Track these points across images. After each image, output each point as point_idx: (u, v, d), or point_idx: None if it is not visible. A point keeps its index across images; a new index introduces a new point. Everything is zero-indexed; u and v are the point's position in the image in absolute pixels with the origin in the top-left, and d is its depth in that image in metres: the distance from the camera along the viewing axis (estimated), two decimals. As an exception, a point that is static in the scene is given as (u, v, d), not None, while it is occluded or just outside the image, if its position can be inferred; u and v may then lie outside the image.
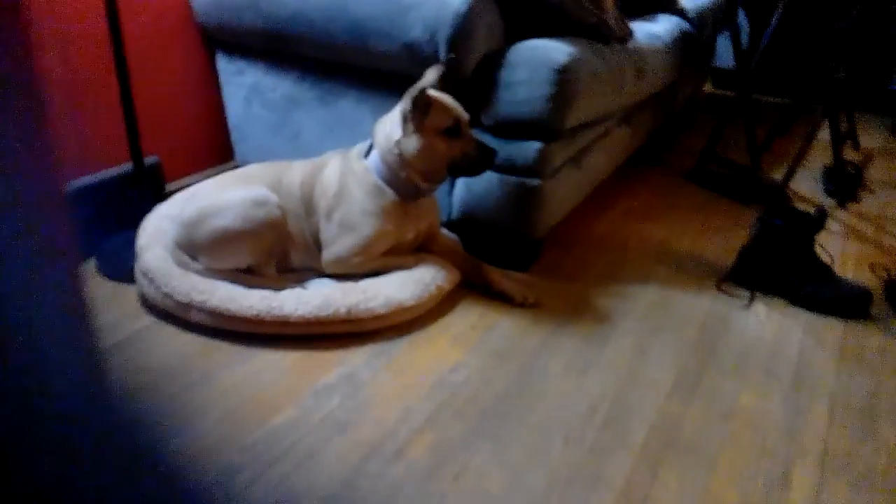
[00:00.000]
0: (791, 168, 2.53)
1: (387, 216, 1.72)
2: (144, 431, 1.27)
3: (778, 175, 2.67)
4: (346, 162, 1.75)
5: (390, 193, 1.71)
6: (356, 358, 1.54)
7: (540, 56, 1.71)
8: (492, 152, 1.65)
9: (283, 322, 1.57)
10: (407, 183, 1.70)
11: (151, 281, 1.62)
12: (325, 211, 1.74)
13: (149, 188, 1.96)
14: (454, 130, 1.64)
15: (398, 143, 1.66)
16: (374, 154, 1.71)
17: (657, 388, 1.50)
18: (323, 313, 1.58)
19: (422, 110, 1.62)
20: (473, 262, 1.85)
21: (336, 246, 1.73)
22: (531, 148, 1.76)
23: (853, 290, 1.84)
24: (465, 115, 1.67)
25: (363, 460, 1.26)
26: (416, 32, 1.70)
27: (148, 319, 1.63)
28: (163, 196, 1.94)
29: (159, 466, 1.18)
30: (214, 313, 1.57)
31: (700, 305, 1.84)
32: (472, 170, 1.68)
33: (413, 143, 1.65)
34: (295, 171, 1.77)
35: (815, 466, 1.30)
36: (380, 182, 1.71)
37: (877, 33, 3.45)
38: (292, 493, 1.17)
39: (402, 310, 1.65)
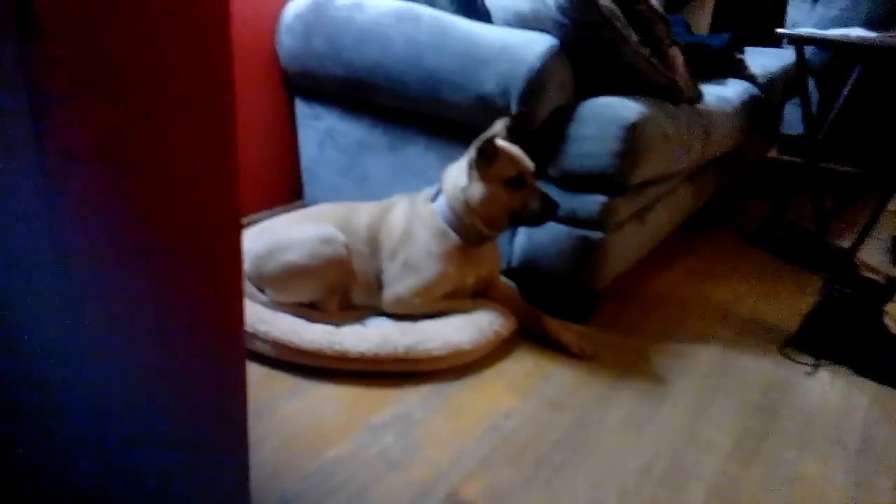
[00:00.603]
0: (860, 236, 2.47)
1: (449, 259, 1.75)
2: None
3: (845, 243, 2.62)
4: (413, 205, 1.81)
5: (454, 237, 1.75)
6: (411, 397, 1.56)
7: (609, 113, 1.75)
8: (553, 205, 1.67)
9: (343, 357, 1.60)
10: (470, 228, 1.74)
11: (220, 309, 1.69)
12: (389, 251, 1.79)
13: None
14: (518, 181, 1.68)
15: (464, 189, 1.71)
16: (441, 199, 1.76)
17: (716, 449, 1.47)
18: (382, 351, 1.61)
19: (487, 159, 1.67)
20: (531, 311, 1.86)
21: (398, 286, 1.77)
22: (595, 201, 1.78)
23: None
24: (529, 167, 1.71)
25: (415, 499, 1.26)
26: (490, 86, 1.76)
27: (214, 346, 1.69)
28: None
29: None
30: (277, 344, 1.61)
31: (762, 369, 1.80)
32: (533, 220, 1.70)
33: (477, 191, 1.69)
34: (363, 212, 1.83)
35: (884, 543, 1.25)
36: (445, 226, 1.75)
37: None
38: (345, 525, 1.19)
39: (459, 353, 1.66)
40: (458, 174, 1.73)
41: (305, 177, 2.33)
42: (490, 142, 1.64)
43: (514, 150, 1.71)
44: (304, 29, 2.08)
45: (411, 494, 1.27)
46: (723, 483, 1.37)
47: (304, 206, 2.29)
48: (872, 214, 2.48)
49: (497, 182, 1.68)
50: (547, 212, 1.68)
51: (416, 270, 1.76)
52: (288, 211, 2.15)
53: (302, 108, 2.26)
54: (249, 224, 2.04)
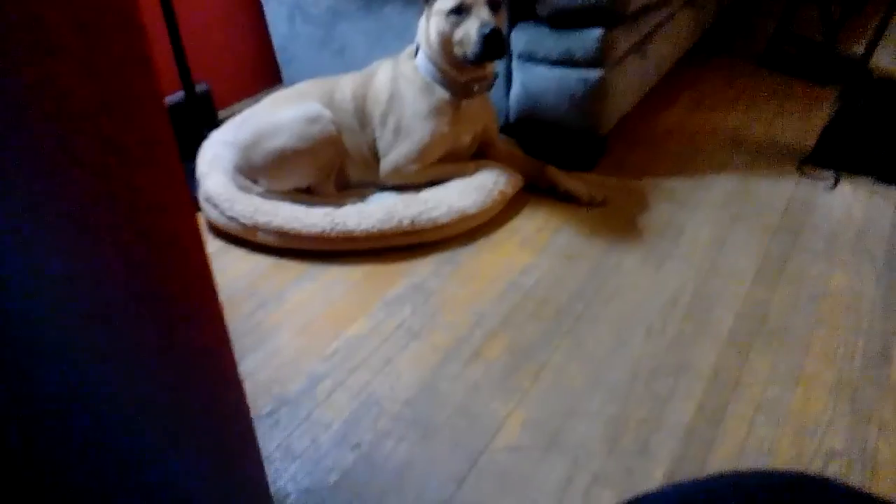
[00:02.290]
0: (873, 41, 2.32)
1: (440, 116, 1.66)
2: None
3: (857, 52, 2.47)
4: (395, 66, 1.69)
5: (441, 92, 1.65)
6: (423, 268, 1.52)
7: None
8: (495, 34, 1.49)
9: (348, 237, 1.55)
10: (452, 77, 1.63)
11: (215, 206, 1.63)
12: (379, 118, 1.69)
13: (201, 116, 1.95)
14: (457, 10, 1.54)
15: (425, 31, 1.62)
16: (421, 53, 1.65)
17: (740, 275, 1.43)
18: (386, 226, 1.55)
19: None
20: (536, 165, 1.78)
21: (392, 154, 1.69)
22: (591, 36, 1.65)
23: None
24: None
25: (441, 364, 1.25)
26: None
27: (215, 244, 1.64)
28: (216, 123, 1.93)
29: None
30: (279, 233, 1.56)
31: (781, 190, 1.74)
32: (474, 55, 1.52)
33: (431, 28, 1.60)
34: (346, 84, 1.72)
35: (918, 343, 1.23)
36: (429, 80, 1.65)
37: None
38: (374, 397, 1.18)
39: (465, 218, 1.61)
40: (424, 20, 1.63)
41: (281, 57, 2.20)
42: None
43: None
44: None
45: (436, 359, 1.26)
46: (749, 308, 1.34)
47: (285, 88, 2.18)
48: (883, 17, 2.31)
49: (440, 14, 1.56)
50: (488, 42, 1.49)
51: (409, 134, 1.67)
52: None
53: (264, -18, 2.09)
54: (230, 116, 1.94)
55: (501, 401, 1.16)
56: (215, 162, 1.73)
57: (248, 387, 1.21)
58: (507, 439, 1.09)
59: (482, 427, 1.11)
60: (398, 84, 1.67)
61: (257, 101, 1.97)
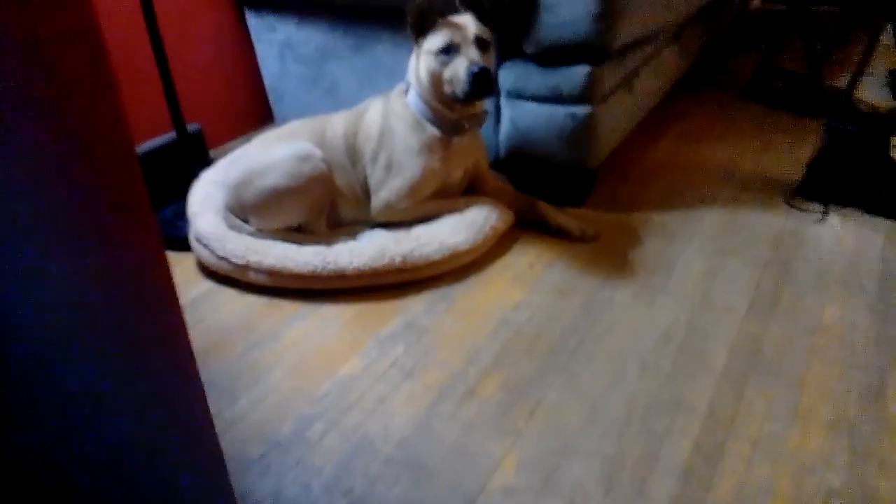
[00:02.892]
0: (856, 72, 2.36)
1: (430, 153, 1.66)
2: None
3: (840, 84, 2.51)
4: (387, 103, 1.70)
5: (431, 129, 1.65)
6: (416, 305, 1.52)
7: None
8: (483, 74, 1.50)
9: (339, 276, 1.54)
10: (439, 113, 1.64)
11: (206, 246, 1.62)
12: (370, 155, 1.70)
13: (193, 156, 1.95)
14: (446, 50, 1.55)
15: (415, 69, 1.63)
16: (412, 91, 1.66)
17: (733, 309, 1.43)
18: (378, 263, 1.55)
19: (419, 29, 1.58)
20: (526, 201, 1.79)
21: (384, 191, 1.69)
22: (578, 73, 1.67)
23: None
24: (463, 35, 1.54)
25: (434, 403, 1.23)
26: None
27: (207, 284, 1.63)
28: (207, 163, 1.93)
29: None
30: (271, 272, 1.56)
31: (771, 223, 1.75)
32: (463, 93, 1.54)
33: (421, 66, 1.61)
34: (337, 122, 1.73)
35: (913, 376, 1.23)
36: (419, 117, 1.65)
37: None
38: (367, 438, 1.16)
39: (457, 254, 1.61)
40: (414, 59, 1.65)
41: (272, 96, 2.21)
42: (417, 9, 1.55)
43: (454, 18, 1.59)
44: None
45: (430, 398, 1.24)
46: (744, 341, 1.34)
47: (276, 127, 2.19)
48: (866, 49, 2.37)
49: (430, 53, 1.57)
50: (477, 81, 1.50)
51: (400, 170, 1.67)
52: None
53: (255, 21, 2.11)
54: (222, 155, 1.95)
55: (496, 440, 1.15)
56: (206, 201, 1.73)
57: (241, 429, 1.20)
58: (503, 481, 1.07)
59: (477, 468, 1.10)
60: (389, 121, 1.68)
61: (249, 140, 1.98)
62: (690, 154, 2.19)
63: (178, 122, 1.85)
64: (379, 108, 1.71)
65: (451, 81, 1.56)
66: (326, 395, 1.26)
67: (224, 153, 1.96)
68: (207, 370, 1.34)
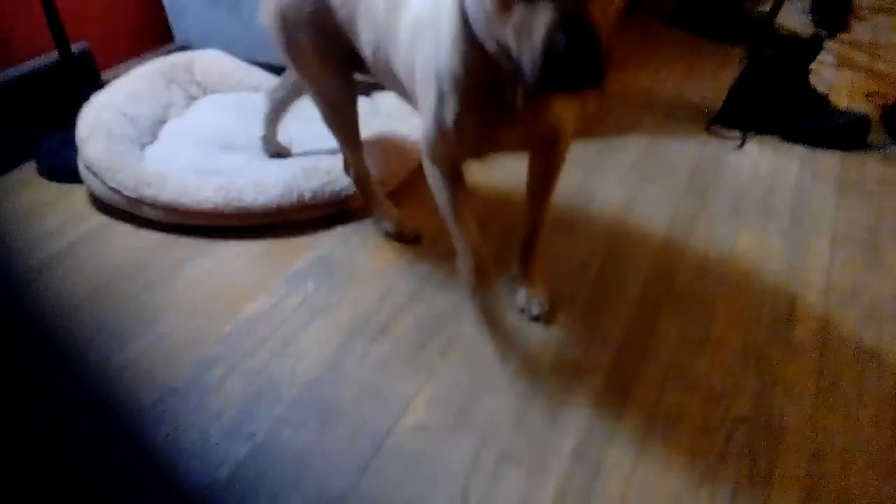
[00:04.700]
0: (778, -1, 2.34)
1: (471, 94, 0.94)
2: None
3: (763, 9, 2.49)
4: None
5: (481, 53, 0.88)
6: (328, 240, 1.44)
7: None
8: (574, 51, 0.72)
9: (244, 213, 1.44)
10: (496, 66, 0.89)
11: (96, 175, 1.48)
12: (404, 48, 1.04)
13: (81, 79, 1.77)
14: None
15: None
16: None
17: (650, 237, 1.41)
18: (286, 201, 1.45)
19: None
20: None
21: (421, 117, 1.06)
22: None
23: (850, 120, 1.73)
24: None
25: (345, 341, 1.18)
26: None
27: (99, 219, 1.50)
28: (98, 86, 1.76)
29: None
30: (167, 209, 1.44)
31: (690, 151, 1.73)
32: (534, 75, 0.75)
33: None
34: None
35: (820, 301, 1.24)
36: (470, 29, 0.88)
37: None
38: (272, 382, 1.10)
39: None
40: None
41: (171, 13, 2.02)
42: None
43: None
44: None
45: (341, 337, 1.19)
46: (659, 269, 1.32)
47: (179, 48, 2.02)
48: (790, -27, 2.34)
49: None
50: (559, 64, 0.73)
51: (427, 103, 1.01)
52: (159, 57, 1.88)
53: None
54: (115, 78, 1.78)
55: (409, 379, 1.10)
56: (98, 126, 1.58)
57: (132, 376, 1.12)
58: (414, 419, 1.04)
59: (388, 408, 1.05)
60: (439, 4, 0.95)
61: (145, 62, 1.81)
62: (613, 82, 2.14)
63: (60, 40, 1.66)
64: None
65: (520, 43, 0.76)
66: (228, 337, 1.19)
67: (117, 75, 1.78)
68: (96, 313, 1.24)
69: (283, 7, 1.20)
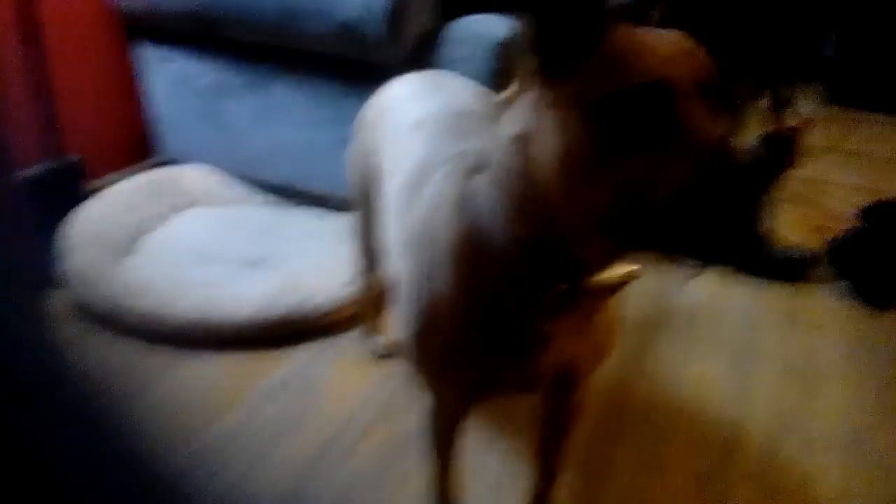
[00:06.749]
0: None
1: (466, 306, 0.74)
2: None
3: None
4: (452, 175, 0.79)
5: (493, 256, 0.71)
6: (303, 354, 1.48)
7: (480, 31, 1.66)
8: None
9: (221, 327, 1.48)
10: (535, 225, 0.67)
11: (81, 283, 1.53)
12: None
13: (69, 189, 1.84)
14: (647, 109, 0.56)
15: (518, 137, 0.66)
16: (482, 179, 0.73)
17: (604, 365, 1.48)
18: (262, 315, 1.50)
19: (560, 58, 0.61)
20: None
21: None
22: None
23: (796, 255, 1.86)
24: (704, 74, 0.60)
25: (316, 460, 1.20)
26: (351, 12, 1.62)
27: (79, 326, 1.53)
28: (84, 197, 1.82)
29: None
30: (145, 319, 1.48)
31: (642, 280, 1.83)
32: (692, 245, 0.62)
33: (539, 130, 0.63)
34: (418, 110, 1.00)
35: (767, 428, 1.32)
36: (489, 228, 0.71)
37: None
38: (246, 494, 1.11)
39: (348, 305, 1.56)
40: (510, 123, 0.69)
41: (160, 128, 2.13)
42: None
43: (650, 37, 0.61)
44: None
45: (312, 454, 1.21)
46: (614, 395, 1.39)
47: (165, 163, 2.10)
48: (739, 113, 2.54)
49: (580, 105, 0.59)
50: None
51: (406, 309, 0.82)
52: (141, 171, 1.96)
53: (148, 52, 2.03)
54: (101, 189, 1.85)
55: (384, 491, 1.13)
56: (90, 237, 1.64)
57: (102, 491, 1.12)
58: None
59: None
60: (438, 208, 0.79)
61: (126, 176, 1.89)
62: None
63: (55, 152, 1.73)
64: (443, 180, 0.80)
65: (652, 188, 0.57)
66: (202, 450, 1.20)
67: (102, 186, 1.86)
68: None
69: None
